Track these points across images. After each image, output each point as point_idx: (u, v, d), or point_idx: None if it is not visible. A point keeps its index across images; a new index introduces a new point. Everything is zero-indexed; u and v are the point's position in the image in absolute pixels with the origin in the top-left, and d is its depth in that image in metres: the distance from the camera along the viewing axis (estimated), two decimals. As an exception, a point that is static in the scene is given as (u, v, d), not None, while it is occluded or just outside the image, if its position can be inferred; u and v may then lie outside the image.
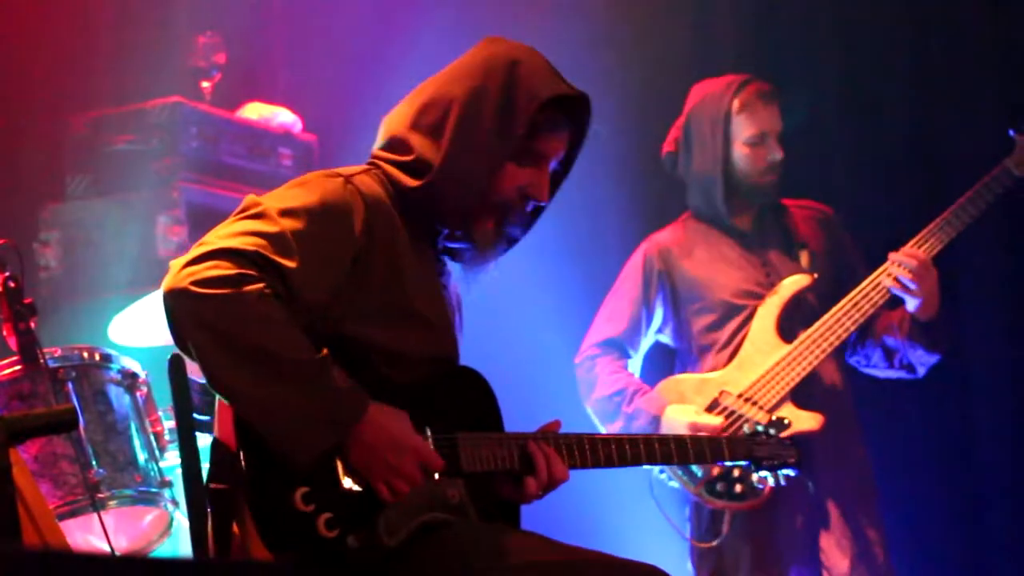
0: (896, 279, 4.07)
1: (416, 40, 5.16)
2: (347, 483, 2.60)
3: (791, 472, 3.19)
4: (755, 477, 3.20)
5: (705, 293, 4.25)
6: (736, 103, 4.22)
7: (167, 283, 2.56)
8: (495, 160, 2.80)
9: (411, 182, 2.79)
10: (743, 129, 4.22)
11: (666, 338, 4.35)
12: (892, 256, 4.10)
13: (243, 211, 2.67)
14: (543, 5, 5.27)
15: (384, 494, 2.61)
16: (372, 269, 2.73)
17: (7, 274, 3.56)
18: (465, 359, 2.93)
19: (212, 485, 2.61)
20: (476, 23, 5.09)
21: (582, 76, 2.95)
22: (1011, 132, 4.12)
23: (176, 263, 2.59)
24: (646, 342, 4.34)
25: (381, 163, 2.85)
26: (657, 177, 4.62)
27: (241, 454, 2.57)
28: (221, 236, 2.61)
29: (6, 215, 4.73)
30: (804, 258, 4.25)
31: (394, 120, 2.87)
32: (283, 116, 5.24)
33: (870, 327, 4.22)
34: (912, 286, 4.06)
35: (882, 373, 4.30)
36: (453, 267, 2.96)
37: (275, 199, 2.69)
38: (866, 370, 4.31)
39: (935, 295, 4.08)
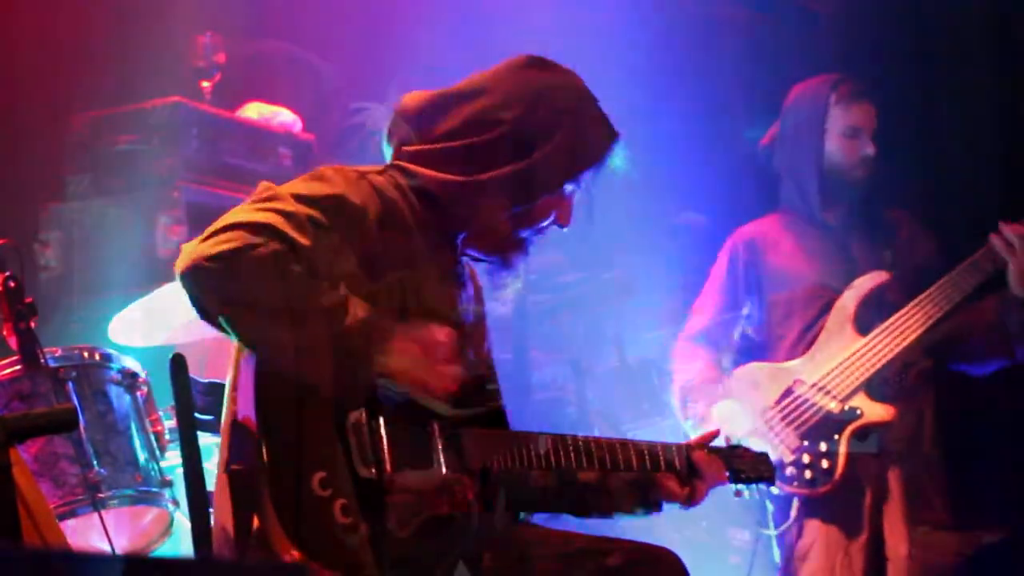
0: (994, 250, 4.09)
1: (417, 40, 5.16)
2: (362, 471, 2.60)
3: (765, 486, 3.21)
4: (732, 489, 3.21)
5: (786, 283, 4.35)
6: (834, 96, 4.35)
7: (182, 258, 2.57)
8: (536, 196, 2.85)
9: (441, 176, 2.80)
10: (839, 120, 4.34)
11: (750, 328, 4.43)
12: (1002, 225, 4.12)
13: (257, 195, 2.67)
14: (550, 7, 5.25)
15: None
16: (382, 267, 2.72)
17: (7, 274, 3.56)
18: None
19: (232, 466, 2.61)
20: (477, 24, 5.09)
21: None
22: None
23: (190, 244, 2.59)
24: (735, 333, 4.42)
25: (403, 162, 2.84)
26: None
27: (261, 437, 2.57)
28: (235, 213, 2.62)
29: (6, 215, 4.72)
30: (887, 257, 4.31)
31: (425, 120, 2.85)
32: (283, 116, 5.23)
33: (964, 322, 4.21)
34: (1004, 252, 4.06)
35: (978, 366, 4.29)
36: (478, 268, 2.98)
37: (290, 187, 2.70)
38: (960, 366, 4.31)
39: None
